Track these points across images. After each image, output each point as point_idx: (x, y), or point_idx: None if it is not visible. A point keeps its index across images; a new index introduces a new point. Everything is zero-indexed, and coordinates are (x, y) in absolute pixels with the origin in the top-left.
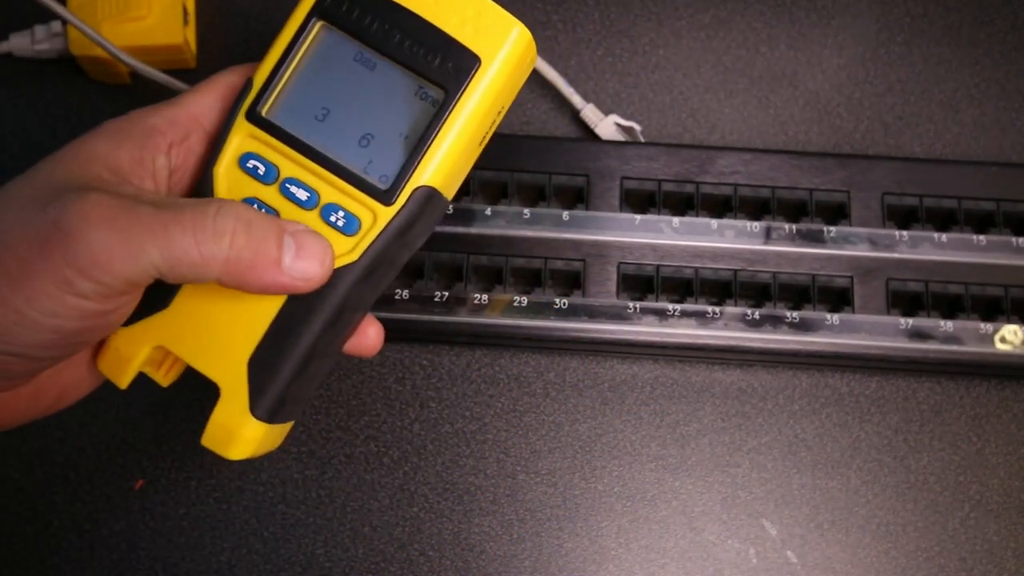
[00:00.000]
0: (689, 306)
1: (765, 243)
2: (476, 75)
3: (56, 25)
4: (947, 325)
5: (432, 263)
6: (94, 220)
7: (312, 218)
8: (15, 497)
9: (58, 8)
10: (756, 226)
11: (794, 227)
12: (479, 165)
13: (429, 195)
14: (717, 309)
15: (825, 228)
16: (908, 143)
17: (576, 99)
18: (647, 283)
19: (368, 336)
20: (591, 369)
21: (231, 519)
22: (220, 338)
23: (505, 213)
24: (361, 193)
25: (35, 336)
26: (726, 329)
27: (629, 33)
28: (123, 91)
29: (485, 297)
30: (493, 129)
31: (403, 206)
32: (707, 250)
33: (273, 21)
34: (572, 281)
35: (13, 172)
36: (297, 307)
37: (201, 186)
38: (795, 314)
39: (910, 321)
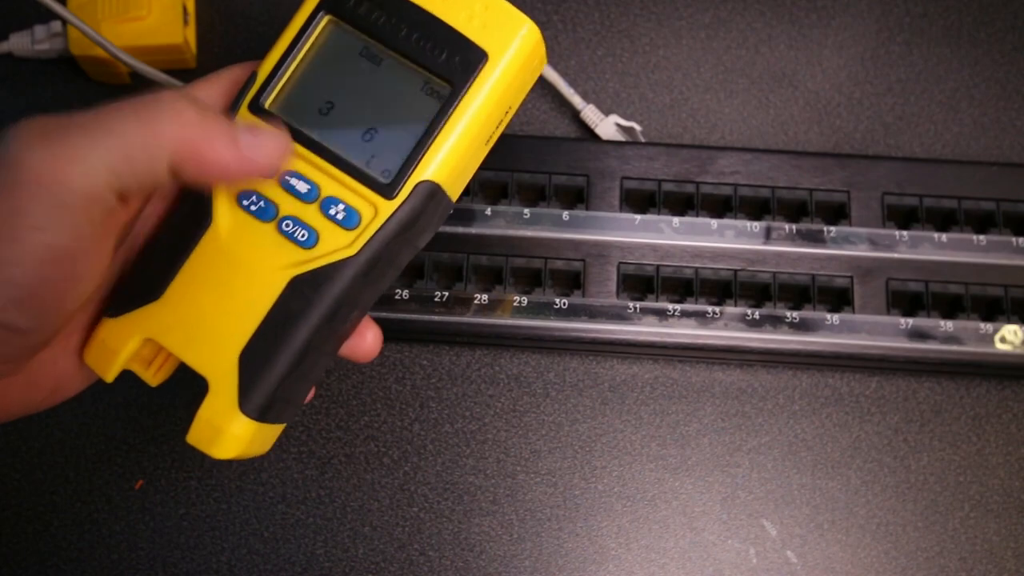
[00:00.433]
0: (689, 306)
1: (765, 243)
2: (483, 71)
3: (56, 25)
4: (947, 325)
5: (432, 263)
6: (29, 138)
7: (312, 211)
8: (15, 497)
9: (58, 8)
10: (756, 226)
11: (794, 227)
12: (479, 165)
13: (432, 191)
14: (717, 309)
15: (825, 228)
16: (908, 143)
17: (576, 100)
18: (647, 283)
19: (366, 340)
20: (591, 369)
21: (231, 519)
22: (211, 330)
23: (505, 213)
24: (362, 186)
25: (6, 291)
26: (726, 329)
27: (629, 33)
28: (123, 91)
29: (485, 297)
30: (500, 129)
31: (404, 200)
32: (707, 250)
33: (273, 21)
34: (572, 281)
35: None
36: (293, 299)
37: None
38: (795, 314)
39: (910, 321)
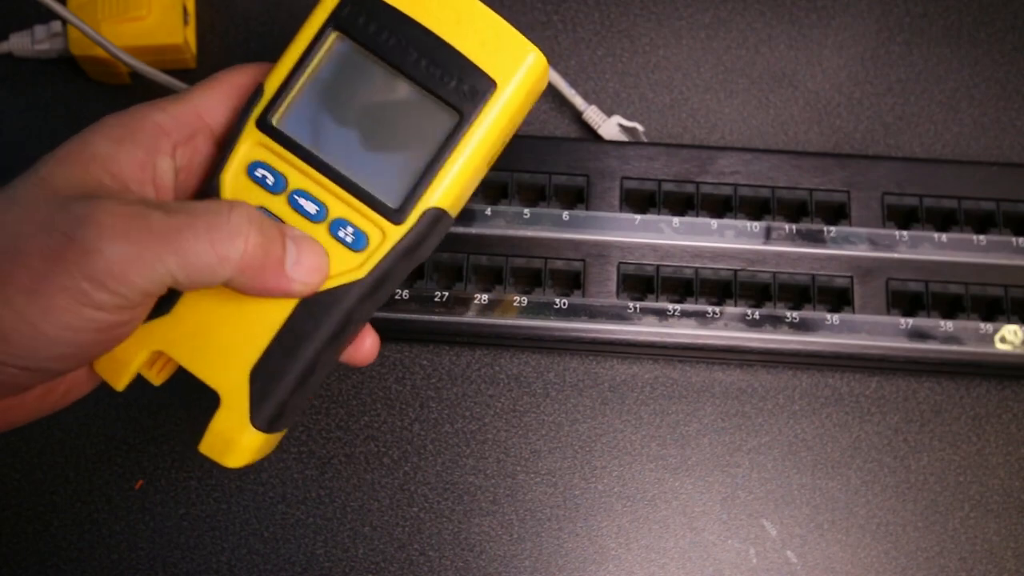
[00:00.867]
0: (689, 306)
1: (765, 243)
2: (491, 99)
3: (56, 25)
4: (947, 325)
5: (432, 263)
6: (108, 231)
7: (320, 231)
8: (15, 497)
9: (58, 8)
10: (756, 226)
11: (794, 227)
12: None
13: (438, 216)
14: (717, 309)
15: (825, 228)
16: (908, 143)
17: (578, 101)
18: (647, 283)
19: (364, 346)
20: (591, 369)
21: (231, 519)
22: (223, 347)
23: (505, 213)
24: (370, 210)
25: (50, 350)
26: (726, 329)
27: (629, 33)
28: (123, 91)
29: (485, 297)
30: (501, 150)
31: (412, 227)
32: (707, 250)
33: (274, 21)
34: (572, 281)
35: (14, 172)
36: (304, 320)
37: (207, 192)
38: (795, 314)
39: (910, 321)
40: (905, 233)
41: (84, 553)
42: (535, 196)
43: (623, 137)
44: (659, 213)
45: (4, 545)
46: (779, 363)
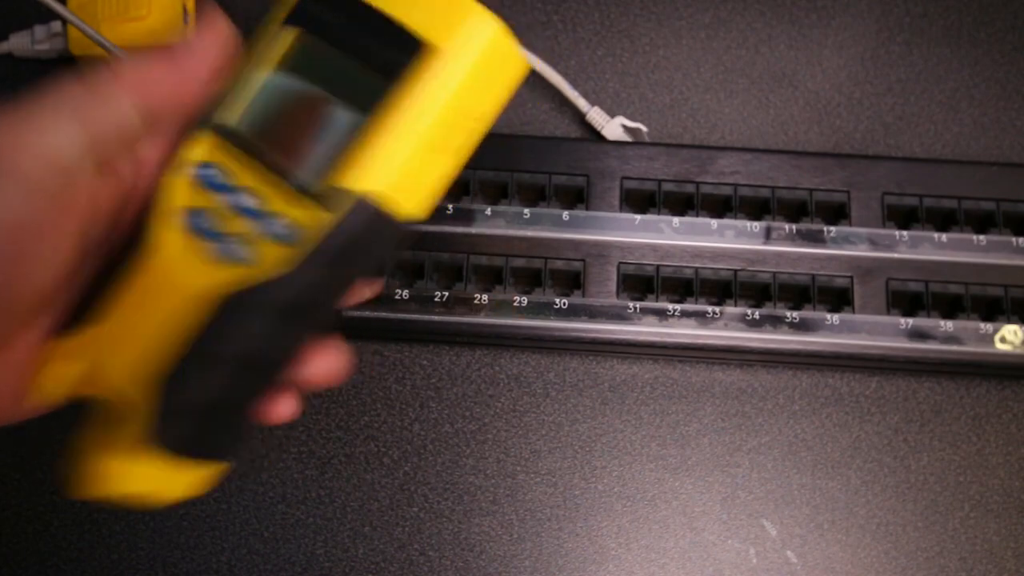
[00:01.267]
0: (689, 306)
1: (765, 243)
2: (423, 64)
3: (56, 25)
4: (947, 325)
5: (432, 263)
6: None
7: (247, 224)
8: (15, 497)
9: (58, 8)
10: (756, 226)
11: (794, 227)
12: (479, 165)
13: (375, 208)
14: (717, 309)
15: (825, 228)
16: (908, 143)
17: (581, 102)
18: (647, 283)
19: (321, 364)
20: (591, 369)
21: (231, 519)
22: (133, 354)
23: (505, 213)
24: (303, 198)
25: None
26: (726, 329)
27: (629, 33)
28: None
29: (485, 297)
30: (471, 139)
31: (346, 216)
32: (707, 250)
33: None
34: (572, 281)
35: None
36: (225, 321)
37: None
38: (795, 314)
39: (910, 321)
40: (905, 233)
41: (84, 553)
42: (535, 196)
43: (627, 138)
44: (659, 213)
45: (4, 545)
46: (779, 363)
